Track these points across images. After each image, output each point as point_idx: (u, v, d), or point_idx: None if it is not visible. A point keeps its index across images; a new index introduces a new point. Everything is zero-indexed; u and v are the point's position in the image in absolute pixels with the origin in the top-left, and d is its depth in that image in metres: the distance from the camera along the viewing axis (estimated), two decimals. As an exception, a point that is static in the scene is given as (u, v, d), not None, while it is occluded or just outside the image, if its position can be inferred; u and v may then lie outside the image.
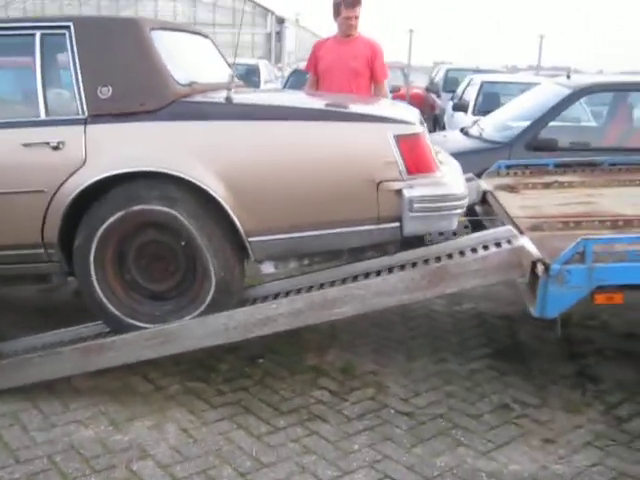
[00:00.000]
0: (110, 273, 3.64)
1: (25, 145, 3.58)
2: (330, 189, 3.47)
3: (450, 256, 3.40)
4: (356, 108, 3.89)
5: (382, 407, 3.57)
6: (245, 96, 3.93)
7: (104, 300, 3.64)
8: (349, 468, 3.06)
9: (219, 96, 3.64)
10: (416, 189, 3.45)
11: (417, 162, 3.49)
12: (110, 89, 3.55)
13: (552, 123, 5.39)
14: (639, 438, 3.33)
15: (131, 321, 3.65)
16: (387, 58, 5.88)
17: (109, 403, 3.58)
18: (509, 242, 3.36)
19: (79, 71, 3.59)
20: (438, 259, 3.42)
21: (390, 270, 3.47)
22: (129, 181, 3.52)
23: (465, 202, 3.62)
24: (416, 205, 3.44)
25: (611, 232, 3.42)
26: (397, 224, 3.51)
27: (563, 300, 3.09)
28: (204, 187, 3.44)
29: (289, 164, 3.48)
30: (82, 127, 3.57)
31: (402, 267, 3.48)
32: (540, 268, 3.10)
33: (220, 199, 3.45)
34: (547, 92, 5.89)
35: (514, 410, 3.55)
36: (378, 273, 3.48)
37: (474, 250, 3.39)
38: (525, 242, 3.29)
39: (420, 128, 3.61)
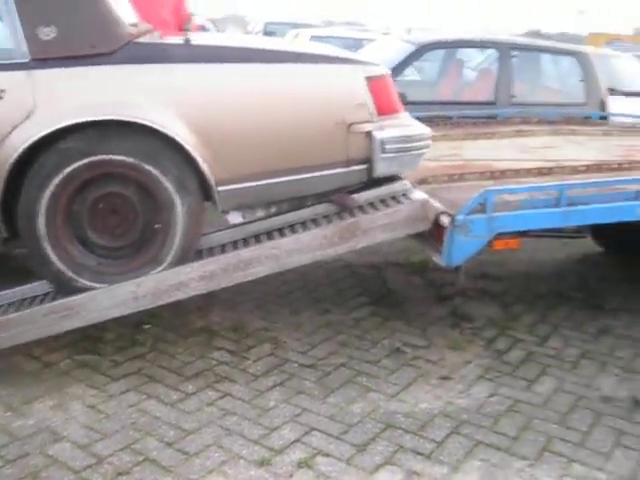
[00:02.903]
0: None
1: None
2: (301, 133, 3.40)
3: (362, 210, 3.49)
4: (320, 50, 3.81)
5: (284, 362, 3.63)
6: (204, 38, 3.65)
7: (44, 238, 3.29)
8: (273, 425, 3.10)
9: (176, 37, 3.39)
10: (386, 130, 3.49)
11: (386, 103, 3.51)
12: (54, 29, 3.15)
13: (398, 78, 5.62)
14: (520, 367, 3.71)
15: (48, 249, 3.33)
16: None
17: (-3, 386, 3.33)
18: (406, 196, 3.53)
19: (15, 8, 3.14)
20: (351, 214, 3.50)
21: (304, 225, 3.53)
22: (85, 130, 3.19)
23: (430, 142, 3.70)
24: (388, 146, 3.47)
25: (492, 183, 3.71)
26: (365, 166, 3.53)
27: (468, 248, 3.32)
28: (172, 135, 3.20)
29: (259, 109, 3.35)
30: (26, 72, 3.16)
31: (314, 221, 3.53)
32: (446, 219, 3.29)
33: (188, 146, 3.23)
34: (391, 48, 6.10)
35: (407, 353, 3.78)
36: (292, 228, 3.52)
37: (373, 205, 3.52)
38: (425, 195, 3.47)
39: (387, 69, 3.63)
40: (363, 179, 3.62)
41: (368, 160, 3.53)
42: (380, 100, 3.51)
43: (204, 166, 3.30)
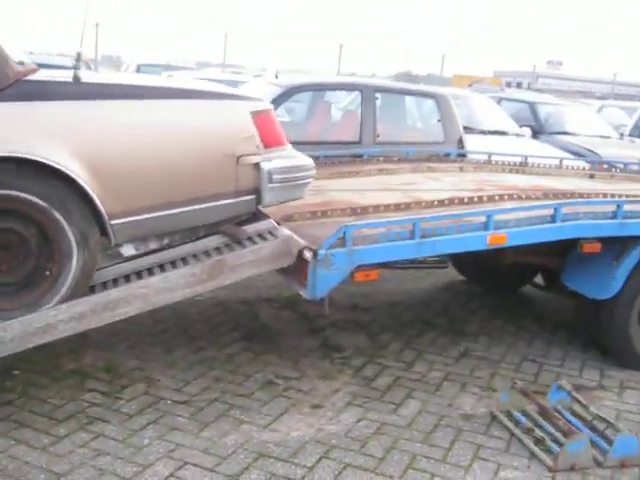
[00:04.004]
0: None
1: None
2: (191, 166, 3.49)
3: (229, 247, 3.60)
4: (208, 87, 3.89)
5: (158, 400, 3.66)
6: (94, 75, 3.64)
7: None
8: (147, 462, 3.13)
9: (65, 75, 3.38)
10: (273, 161, 3.65)
11: (271, 136, 3.68)
12: None
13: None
14: (387, 392, 3.91)
15: None
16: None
17: None
18: (271, 233, 3.67)
19: None
20: (217, 251, 3.60)
21: (173, 264, 3.59)
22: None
23: (314, 172, 3.89)
24: (275, 176, 3.63)
25: (354, 219, 3.91)
26: (253, 196, 3.66)
27: (330, 281, 3.48)
28: (64, 170, 3.19)
29: (150, 144, 3.42)
30: None
31: (184, 260, 3.60)
32: (308, 254, 3.45)
33: (79, 180, 3.22)
34: (260, 90, 6.27)
35: (279, 384, 3.90)
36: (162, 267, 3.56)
37: (240, 243, 3.64)
38: (289, 232, 3.63)
39: (270, 105, 3.79)
40: (252, 209, 3.77)
41: (256, 190, 3.68)
42: (266, 133, 3.68)
43: (97, 200, 3.31)
